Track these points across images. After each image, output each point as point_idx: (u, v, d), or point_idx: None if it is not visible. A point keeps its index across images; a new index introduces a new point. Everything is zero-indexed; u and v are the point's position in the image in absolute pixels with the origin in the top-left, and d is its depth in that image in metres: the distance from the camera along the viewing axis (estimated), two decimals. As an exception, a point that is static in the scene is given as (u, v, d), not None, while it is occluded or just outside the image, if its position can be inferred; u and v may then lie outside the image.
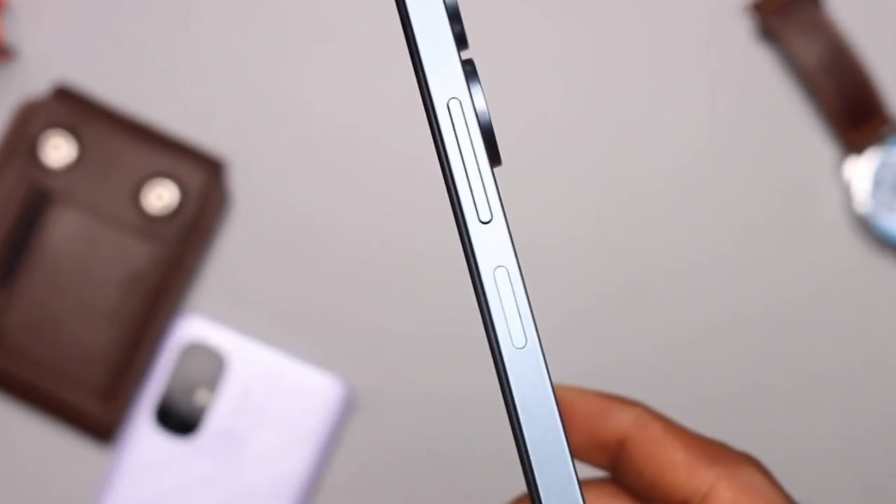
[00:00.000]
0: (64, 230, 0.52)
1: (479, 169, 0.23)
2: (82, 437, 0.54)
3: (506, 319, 0.23)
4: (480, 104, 0.23)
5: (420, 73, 0.23)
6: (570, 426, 0.31)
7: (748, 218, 0.55)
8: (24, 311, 0.52)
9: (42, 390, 0.52)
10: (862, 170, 0.54)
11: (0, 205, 0.52)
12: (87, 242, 0.52)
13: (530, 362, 0.22)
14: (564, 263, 0.54)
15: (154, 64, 0.55)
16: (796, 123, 0.55)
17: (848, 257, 0.55)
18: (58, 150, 0.53)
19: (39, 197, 0.52)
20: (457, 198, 0.22)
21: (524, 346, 0.23)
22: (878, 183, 0.54)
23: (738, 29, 0.55)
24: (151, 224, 0.53)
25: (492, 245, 0.23)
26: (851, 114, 0.54)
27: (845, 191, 0.55)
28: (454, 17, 0.23)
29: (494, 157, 0.23)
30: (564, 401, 0.31)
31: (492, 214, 0.23)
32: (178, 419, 0.52)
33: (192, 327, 0.53)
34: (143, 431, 0.52)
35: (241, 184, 0.55)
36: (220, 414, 0.52)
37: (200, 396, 0.53)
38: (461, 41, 0.23)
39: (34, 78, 0.55)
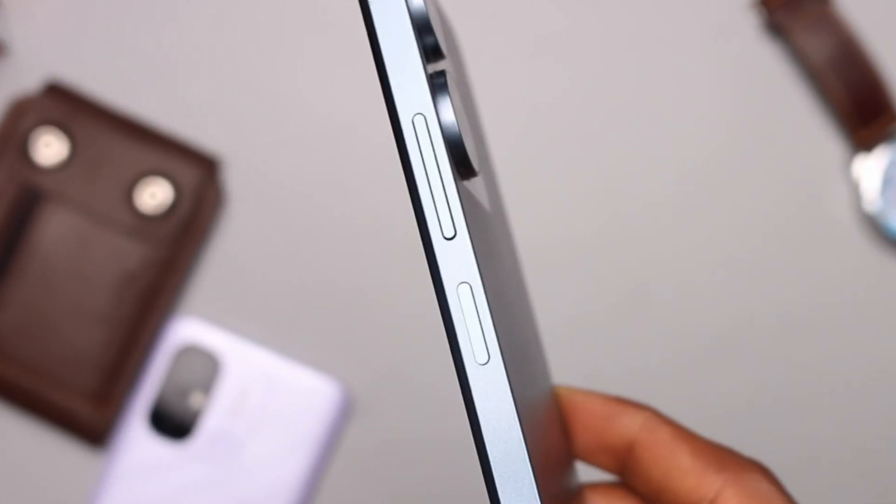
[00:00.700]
0: (55, 230, 0.52)
1: (443, 186, 0.23)
2: (74, 442, 0.53)
3: (469, 336, 0.23)
4: (449, 118, 0.23)
5: (386, 88, 0.23)
6: (577, 428, 0.32)
7: (755, 216, 0.55)
8: (14, 313, 0.52)
9: (33, 393, 0.52)
10: (871, 168, 0.54)
11: (-10, 204, 0.53)
12: (79, 242, 0.52)
13: (493, 379, 0.23)
14: (571, 265, 0.54)
15: (147, 60, 0.55)
16: (804, 121, 0.55)
17: (857, 257, 0.55)
18: (49, 148, 0.52)
19: (30, 196, 0.52)
20: (421, 214, 0.23)
21: (486, 363, 0.23)
22: (887, 181, 0.54)
23: (745, 24, 0.55)
24: (145, 223, 0.52)
25: (455, 261, 0.23)
26: (860, 111, 0.54)
27: (854, 189, 0.55)
28: (425, 28, 0.23)
29: (466, 170, 0.23)
30: (572, 403, 0.32)
31: (455, 231, 0.23)
32: (172, 423, 0.52)
33: (187, 329, 0.53)
34: (136, 436, 0.52)
35: (237, 182, 0.54)
36: (215, 418, 0.52)
37: (195, 400, 0.52)
38: (435, 52, 0.23)
39: (25, 74, 0.54)
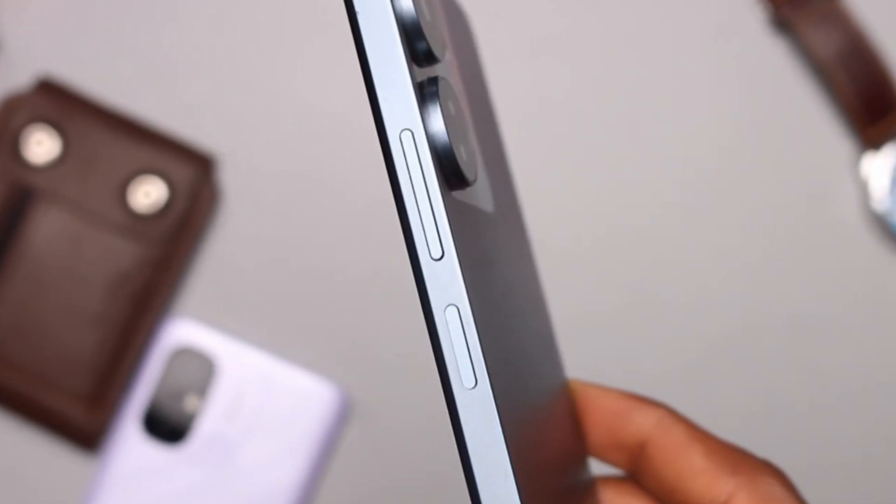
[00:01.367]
0: (47, 229, 0.52)
1: (431, 206, 0.22)
2: (66, 445, 0.53)
3: (456, 359, 0.22)
4: (438, 130, 0.22)
5: (373, 100, 0.23)
6: (589, 424, 0.31)
7: (761, 215, 0.55)
8: (5, 314, 0.52)
9: (25, 396, 0.52)
10: (879, 166, 0.54)
11: (-19, 203, 0.53)
12: (72, 242, 0.52)
13: (480, 403, 0.22)
14: (575, 266, 0.54)
15: (142, 57, 0.55)
16: (811, 118, 0.55)
17: (865, 257, 0.55)
18: (41, 146, 0.52)
19: (22, 195, 0.52)
20: (409, 233, 0.22)
21: (474, 387, 0.22)
22: (896, 180, 0.54)
23: (750, 20, 0.55)
24: (138, 223, 0.52)
25: (443, 283, 0.22)
26: (868, 108, 0.54)
27: (862, 188, 0.55)
28: (415, 33, 0.22)
29: (459, 182, 0.23)
30: (585, 398, 0.31)
31: (443, 251, 0.22)
32: (167, 426, 0.52)
33: (181, 330, 0.52)
34: (129, 439, 0.52)
35: (232, 181, 0.54)
36: (211, 420, 0.52)
37: (190, 402, 0.52)
38: (428, 57, 0.23)
39: (16, 71, 0.54)
